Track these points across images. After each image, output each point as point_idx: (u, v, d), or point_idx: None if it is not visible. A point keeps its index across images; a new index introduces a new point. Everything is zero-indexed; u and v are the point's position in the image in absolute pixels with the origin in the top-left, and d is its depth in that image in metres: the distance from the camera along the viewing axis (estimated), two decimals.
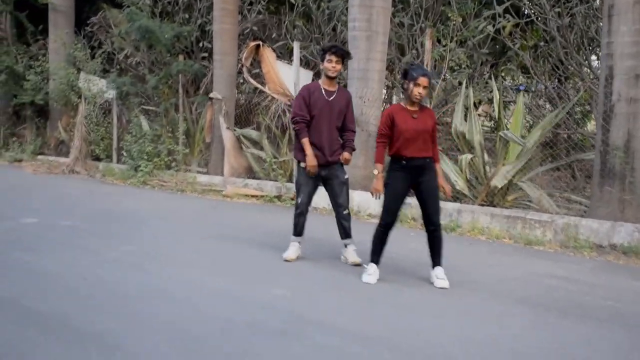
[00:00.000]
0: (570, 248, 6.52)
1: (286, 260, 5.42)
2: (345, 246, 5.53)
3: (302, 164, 5.38)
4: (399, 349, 3.35)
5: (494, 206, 7.54)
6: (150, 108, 12.55)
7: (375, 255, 4.89)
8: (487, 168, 7.86)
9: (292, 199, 8.77)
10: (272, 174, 9.56)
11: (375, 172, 4.79)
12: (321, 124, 5.38)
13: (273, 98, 10.07)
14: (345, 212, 5.45)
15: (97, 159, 12.62)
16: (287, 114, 9.91)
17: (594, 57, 10.08)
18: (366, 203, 8.29)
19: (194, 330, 3.50)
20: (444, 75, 9.14)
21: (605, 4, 7.01)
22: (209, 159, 10.90)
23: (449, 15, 8.94)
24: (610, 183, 6.79)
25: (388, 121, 4.74)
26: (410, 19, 10.55)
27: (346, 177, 5.50)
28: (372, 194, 4.81)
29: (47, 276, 4.62)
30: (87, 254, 5.39)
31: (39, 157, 13.96)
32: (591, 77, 9.40)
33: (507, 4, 9.55)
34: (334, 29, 11.55)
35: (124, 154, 11.52)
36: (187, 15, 13.26)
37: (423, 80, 4.63)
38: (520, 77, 9.89)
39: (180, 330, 3.49)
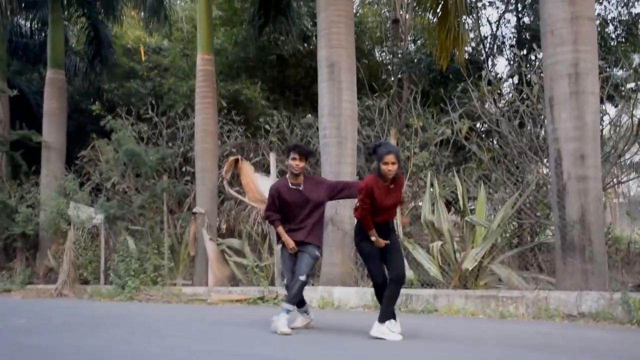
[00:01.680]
0: (542, 318, 6.81)
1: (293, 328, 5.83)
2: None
3: (283, 249, 6.03)
4: None
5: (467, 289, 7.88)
6: (137, 228, 13.01)
7: (390, 312, 5.28)
8: (458, 254, 8.28)
9: (275, 299, 9.03)
10: (254, 280, 9.88)
11: (373, 238, 5.32)
12: (296, 212, 5.95)
13: (252, 207, 10.62)
14: (301, 277, 5.76)
15: (86, 282, 12.84)
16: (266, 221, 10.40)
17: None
18: (346, 297, 8.58)
19: None
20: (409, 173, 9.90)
21: (546, 96, 7.79)
22: (194, 271, 11.22)
23: (410, 122, 9.82)
24: (572, 255, 7.18)
25: (369, 194, 5.24)
26: (376, 132, 11.44)
27: (317, 254, 5.94)
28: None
29: None
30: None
31: (28, 286, 14.12)
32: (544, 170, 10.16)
33: (461, 111, 10.53)
34: (308, 145, 12.39)
35: (111, 274, 11.80)
36: (170, 144, 14.14)
37: (389, 158, 5.15)
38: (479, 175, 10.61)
39: None
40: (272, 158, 10.15)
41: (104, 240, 13.01)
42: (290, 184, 5.98)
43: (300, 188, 5.95)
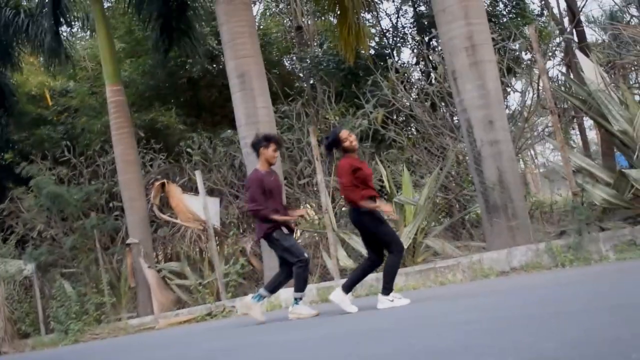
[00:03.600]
0: (478, 278, 7.13)
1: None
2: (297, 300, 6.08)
3: (284, 232, 6.06)
4: None
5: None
6: (71, 270, 12.65)
7: (391, 284, 5.51)
8: None
9: (223, 312, 9.03)
10: (199, 298, 9.82)
11: (375, 204, 5.45)
12: (277, 198, 6.20)
13: (186, 227, 10.57)
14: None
15: (26, 335, 12.36)
16: (202, 238, 10.39)
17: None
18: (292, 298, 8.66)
19: None
20: None
21: (448, 71, 8.21)
22: (137, 302, 11.02)
23: (326, 117, 10.09)
24: (496, 215, 7.55)
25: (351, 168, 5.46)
26: (297, 136, 11.62)
27: None
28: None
29: None
30: None
31: None
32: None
33: (373, 101, 10.90)
34: (232, 159, 12.43)
35: (52, 322, 11.42)
36: (93, 182, 13.82)
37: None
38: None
39: None
40: (198, 176, 10.14)
41: (38, 290, 12.58)
42: (265, 172, 6.16)
43: (272, 177, 6.20)
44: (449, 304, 5.11)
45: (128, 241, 11.03)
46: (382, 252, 5.60)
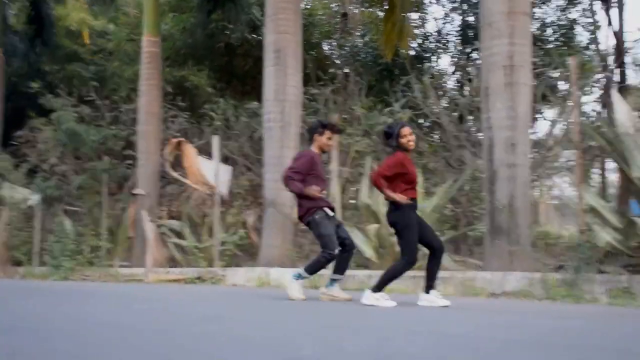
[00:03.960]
0: (469, 296, 7.08)
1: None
2: (333, 282, 6.00)
3: (328, 214, 5.91)
4: None
5: None
6: (75, 209, 12.77)
7: (385, 285, 5.52)
8: (392, 237, 8.48)
9: (212, 279, 9.08)
10: (193, 261, 9.88)
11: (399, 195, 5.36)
12: (321, 184, 6.01)
13: (194, 189, 10.61)
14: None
15: (18, 264, 12.52)
16: (208, 203, 10.42)
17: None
18: (283, 277, 8.67)
19: None
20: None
21: (482, 87, 8.12)
22: (132, 253, 11.11)
23: (353, 107, 10.04)
24: (499, 237, 7.50)
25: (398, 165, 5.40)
26: (321, 119, 11.57)
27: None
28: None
29: None
30: None
31: None
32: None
33: (403, 101, 10.84)
34: (252, 131, 12.43)
35: (46, 255, 11.55)
36: (113, 127, 13.91)
37: (406, 130, 5.47)
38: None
39: None
40: (215, 141, 10.15)
41: (39, 222, 12.72)
42: (317, 154, 6.14)
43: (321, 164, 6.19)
44: (422, 314, 5.08)
45: (135, 191, 11.10)
46: (431, 244, 5.54)
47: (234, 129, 12.71)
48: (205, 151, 12.43)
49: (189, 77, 15.09)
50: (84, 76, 16.67)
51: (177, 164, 11.59)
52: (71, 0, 18.06)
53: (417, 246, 5.40)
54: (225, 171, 10.66)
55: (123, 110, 13.97)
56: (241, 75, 17.13)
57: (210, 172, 10.27)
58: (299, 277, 5.95)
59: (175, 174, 10.61)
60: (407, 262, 5.40)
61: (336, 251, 5.77)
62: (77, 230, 11.52)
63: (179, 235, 10.71)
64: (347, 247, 5.97)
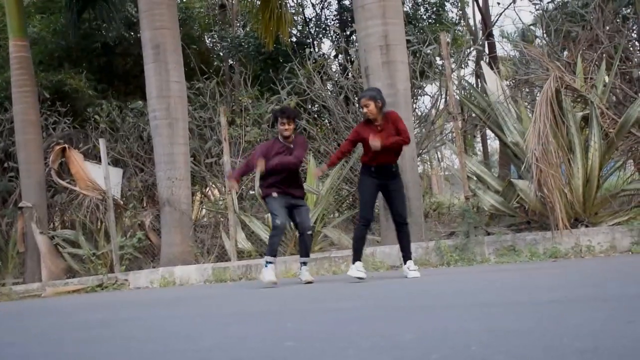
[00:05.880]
0: (369, 270, 7.38)
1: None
2: (302, 265, 6.36)
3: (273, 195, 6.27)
4: None
5: None
6: None
7: (359, 254, 5.77)
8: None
9: (114, 284, 8.89)
10: (92, 269, 9.61)
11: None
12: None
13: (84, 195, 10.28)
14: (309, 232, 6.39)
15: None
16: (101, 208, 10.13)
17: None
18: (187, 275, 8.67)
19: None
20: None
21: (362, 67, 8.40)
22: (25, 269, 10.63)
23: (240, 98, 10.08)
24: None
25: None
26: (209, 113, 11.54)
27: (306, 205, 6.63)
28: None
29: None
30: None
31: None
32: None
33: (288, 88, 11.03)
34: (140, 131, 12.17)
35: None
36: None
37: (363, 102, 5.69)
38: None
39: None
40: (102, 144, 9.88)
41: None
42: (274, 140, 6.51)
43: (280, 146, 6.34)
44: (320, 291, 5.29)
45: (21, 204, 10.59)
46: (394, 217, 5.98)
47: (121, 130, 12.39)
48: (93, 155, 12.04)
49: (66, 81, 14.42)
50: None
51: (65, 171, 11.15)
52: None
53: (367, 206, 5.80)
54: (116, 174, 10.42)
55: None
56: (122, 74, 16.59)
57: (99, 176, 10.00)
58: (266, 263, 6.23)
59: (63, 182, 10.21)
60: (358, 222, 5.86)
61: (277, 221, 6.11)
62: None
63: (74, 244, 10.35)
64: (300, 229, 6.42)
